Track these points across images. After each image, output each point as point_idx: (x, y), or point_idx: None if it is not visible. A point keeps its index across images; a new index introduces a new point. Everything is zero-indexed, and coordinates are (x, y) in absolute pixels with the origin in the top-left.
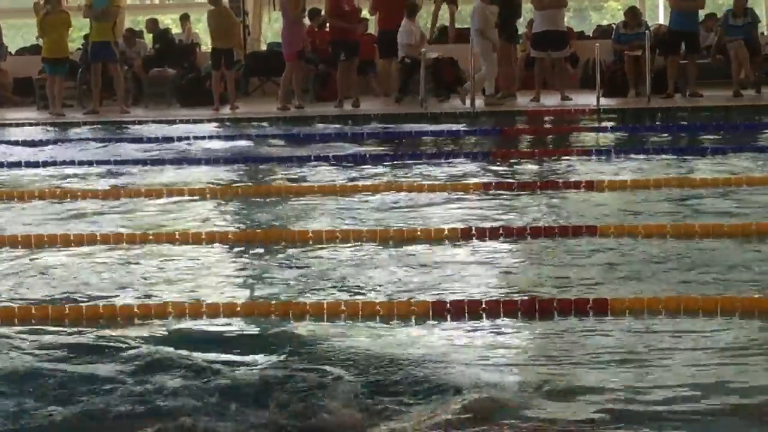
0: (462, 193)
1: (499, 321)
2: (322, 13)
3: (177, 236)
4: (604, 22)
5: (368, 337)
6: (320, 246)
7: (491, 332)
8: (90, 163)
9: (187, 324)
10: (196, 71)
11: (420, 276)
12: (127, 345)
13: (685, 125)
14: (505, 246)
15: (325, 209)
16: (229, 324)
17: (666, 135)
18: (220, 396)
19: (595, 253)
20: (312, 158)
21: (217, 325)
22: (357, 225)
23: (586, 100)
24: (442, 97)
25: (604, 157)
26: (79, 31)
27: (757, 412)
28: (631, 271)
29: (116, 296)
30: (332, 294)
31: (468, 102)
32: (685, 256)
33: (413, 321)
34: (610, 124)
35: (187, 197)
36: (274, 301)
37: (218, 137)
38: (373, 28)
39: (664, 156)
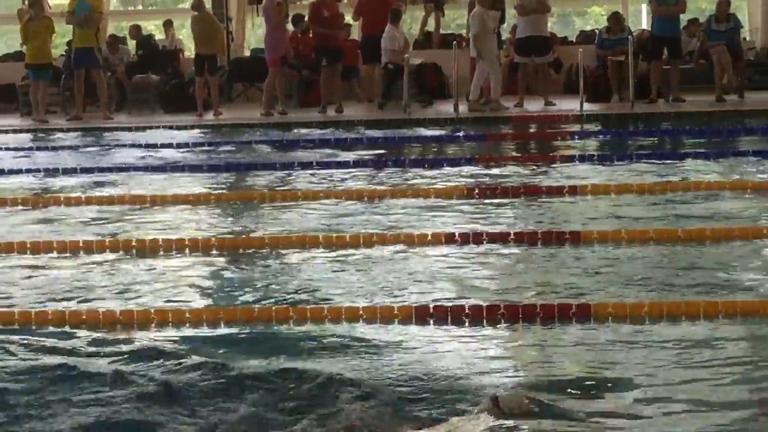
0: (445, 198)
1: (482, 326)
2: (306, 19)
3: (160, 243)
4: (588, 28)
5: (352, 341)
6: (304, 251)
7: (474, 337)
8: (73, 170)
9: (170, 330)
10: (180, 77)
11: (403, 281)
12: (108, 351)
13: (668, 130)
14: (489, 251)
15: (308, 215)
16: (213, 330)
17: (649, 140)
18: (200, 400)
19: (578, 258)
20: (296, 164)
21: (200, 331)
22: (340, 230)
23: (570, 105)
24: (425, 102)
25: (587, 163)
26: (62, 37)
27: (741, 413)
28: (614, 276)
29: (99, 302)
30: (316, 299)
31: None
32: (669, 261)
33: (396, 325)
34: (593, 129)
35: (170, 204)
36: (257, 307)
37: (202, 143)
38: (356, 34)
39: (647, 161)
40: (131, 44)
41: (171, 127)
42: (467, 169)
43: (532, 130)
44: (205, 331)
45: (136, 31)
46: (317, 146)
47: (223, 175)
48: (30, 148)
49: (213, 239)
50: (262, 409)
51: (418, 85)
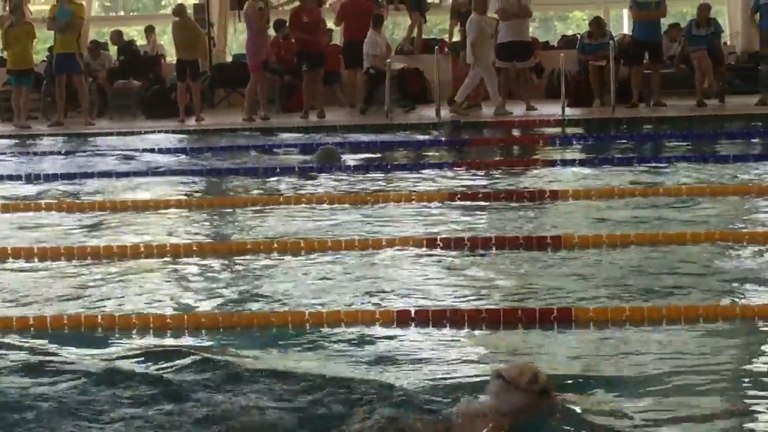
0: (427, 203)
1: (463, 330)
2: (287, 24)
3: (142, 248)
4: (569, 33)
5: (333, 345)
6: (285, 256)
7: (456, 341)
8: (54, 176)
9: (150, 336)
10: (161, 83)
11: (385, 285)
12: (86, 356)
13: (649, 135)
14: (470, 256)
15: (290, 220)
16: (192, 336)
17: (630, 144)
18: (177, 404)
19: (559, 262)
20: (278, 169)
21: (180, 336)
22: (322, 235)
23: (551, 110)
24: (407, 107)
25: (569, 167)
26: (43, 43)
27: (722, 415)
28: (595, 280)
29: (79, 308)
30: (297, 303)
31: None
32: (650, 265)
33: (378, 329)
34: (575, 133)
35: (152, 209)
36: (238, 312)
37: (184, 149)
38: (338, 39)
39: (628, 165)
40: (113, 50)
41: (153, 133)
42: (449, 174)
43: (513, 135)
44: (187, 337)
45: (117, 36)
46: (299, 151)
47: (205, 181)
48: (11, 154)
49: (194, 245)
50: (244, 412)
51: (400, 90)
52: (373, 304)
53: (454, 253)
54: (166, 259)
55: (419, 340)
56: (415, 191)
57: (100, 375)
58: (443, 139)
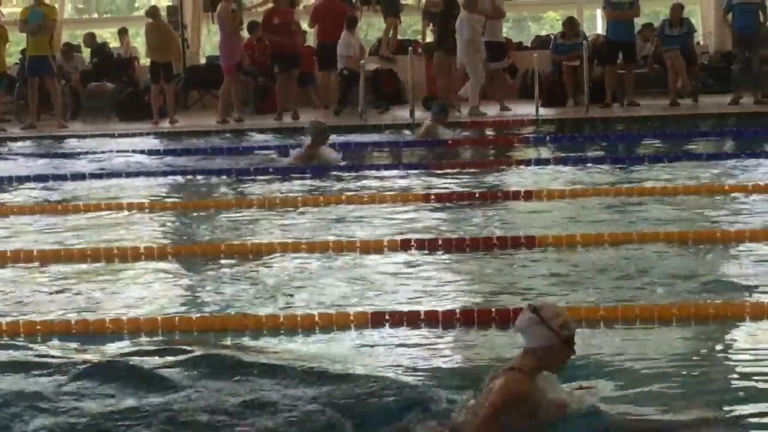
0: (402, 204)
1: (437, 331)
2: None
3: (115, 251)
4: (543, 33)
5: (307, 349)
6: (259, 259)
7: (430, 342)
8: (27, 178)
9: (124, 339)
10: (135, 85)
11: (359, 287)
12: (64, 361)
13: (623, 134)
14: (445, 257)
15: (264, 222)
16: (167, 338)
17: (604, 144)
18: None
19: (534, 263)
20: (251, 171)
21: (154, 339)
22: (296, 237)
23: (525, 110)
24: (381, 108)
25: (542, 167)
26: (16, 45)
27: (696, 414)
28: (569, 280)
29: (54, 312)
30: (272, 306)
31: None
32: (623, 264)
33: (352, 331)
34: (548, 134)
35: (126, 212)
36: (212, 315)
37: (157, 151)
38: (312, 41)
39: (602, 165)
40: (86, 52)
41: (126, 135)
42: (423, 175)
43: (488, 135)
44: (159, 339)
45: (90, 39)
46: (273, 153)
47: (179, 183)
48: None
49: (169, 247)
50: (215, 416)
51: (374, 90)
52: (348, 306)
53: (428, 254)
54: (139, 261)
55: (393, 342)
56: (388, 192)
57: (73, 378)
58: (418, 138)
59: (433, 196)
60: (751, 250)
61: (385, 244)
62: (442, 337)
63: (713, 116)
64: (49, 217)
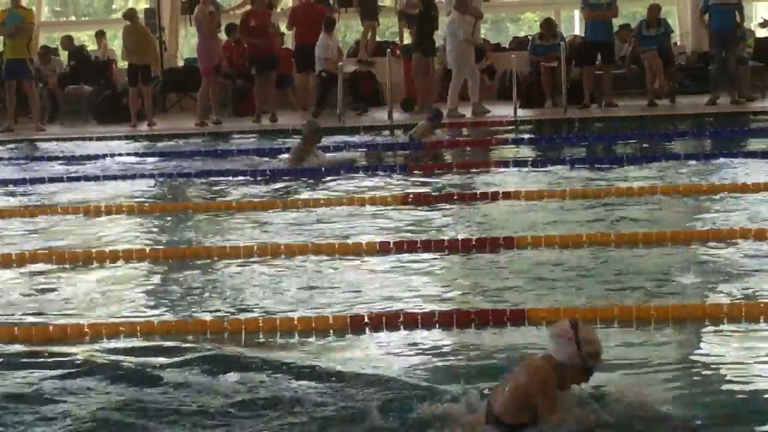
0: (380, 206)
1: (417, 333)
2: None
3: (94, 255)
4: (521, 34)
5: (287, 352)
6: (238, 262)
7: (410, 344)
8: (3, 182)
9: (104, 343)
10: (113, 88)
11: (338, 290)
12: (38, 366)
13: (601, 135)
14: (424, 259)
15: (243, 224)
16: (145, 342)
17: (582, 145)
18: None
19: (512, 264)
20: (230, 173)
21: (132, 343)
22: (275, 240)
23: (503, 111)
24: (359, 110)
25: (521, 168)
26: None
27: (672, 416)
28: (548, 281)
29: (32, 316)
30: (251, 309)
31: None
32: (602, 265)
33: (331, 334)
34: (527, 135)
35: (104, 215)
36: (191, 318)
37: (136, 154)
38: (290, 43)
39: (580, 166)
40: (63, 55)
41: (104, 138)
42: (402, 177)
43: (466, 137)
44: (137, 343)
45: (68, 41)
46: (252, 155)
47: (157, 185)
48: None
49: (147, 249)
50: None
51: (352, 92)
52: (328, 309)
53: (407, 256)
54: (117, 264)
55: (373, 345)
56: (367, 194)
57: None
58: (399, 140)
59: (411, 198)
60: (729, 250)
61: (364, 246)
62: (421, 339)
63: (691, 116)
64: (25, 220)
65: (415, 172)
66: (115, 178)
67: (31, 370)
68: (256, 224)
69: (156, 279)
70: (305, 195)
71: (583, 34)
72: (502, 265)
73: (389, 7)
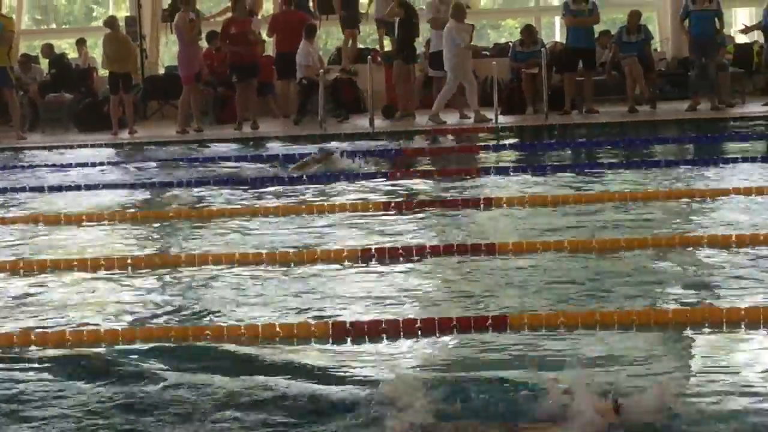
0: (362, 213)
1: (399, 340)
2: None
3: (75, 263)
4: (502, 41)
5: (269, 359)
6: (220, 269)
7: (391, 351)
8: None
9: (85, 350)
10: (93, 96)
11: (320, 297)
12: (19, 372)
13: (582, 141)
14: (405, 265)
15: (224, 232)
16: (129, 349)
17: (563, 151)
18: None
19: (494, 270)
20: (211, 181)
21: (115, 350)
22: (256, 248)
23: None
24: (341, 117)
25: (502, 175)
26: None
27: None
28: (529, 287)
29: (13, 323)
30: (233, 317)
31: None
32: (583, 271)
33: (313, 342)
34: (508, 141)
35: (85, 223)
36: (173, 326)
37: (117, 162)
38: (271, 50)
39: (561, 172)
40: (44, 63)
41: (85, 146)
42: (383, 183)
43: (447, 144)
44: (121, 349)
45: (48, 49)
46: (233, 163)
47: (138, 194)
48: None
49: (129, 258)
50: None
51: (333, 100)
52: (309, 317)
53: (389, 262)
54: (98, 272)
55: (355, 353)
56: (348, 201)
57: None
58: (383, 148)
59: (392, 205)
60: (710, 255)
61: (346, 253)
62: (403, 346)
63: (671, 122)
64: (6, 228)
65: (396, 178)
66: (96, 186)
67: (25, 374)
68: (237, 232)
69: (137, 287)
70: (287, 202)
71: (563, 41)
72: (483, 271)
73: (370, 14)
